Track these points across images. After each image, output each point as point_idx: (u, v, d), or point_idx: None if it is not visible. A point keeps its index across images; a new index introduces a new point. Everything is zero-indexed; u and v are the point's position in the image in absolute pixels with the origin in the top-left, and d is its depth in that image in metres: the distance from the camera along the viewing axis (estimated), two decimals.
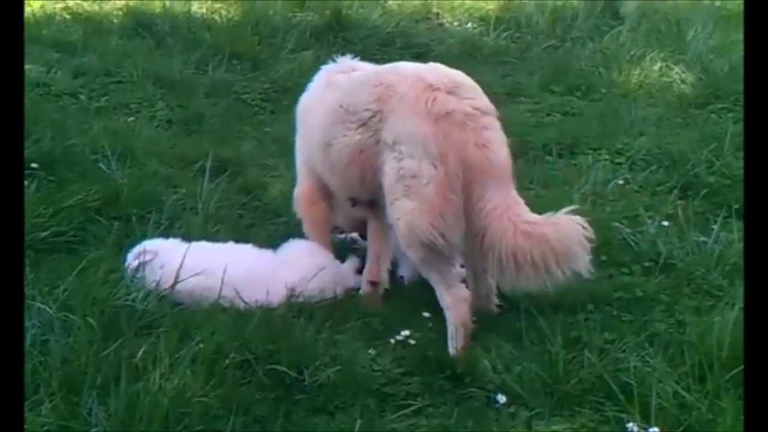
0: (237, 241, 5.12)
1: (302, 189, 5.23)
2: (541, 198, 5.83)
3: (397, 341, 4.55)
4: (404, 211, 4.48)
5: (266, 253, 5.01)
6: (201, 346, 4.21)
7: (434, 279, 4.61)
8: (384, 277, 5.01)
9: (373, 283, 4.99)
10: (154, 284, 4.68)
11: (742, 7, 7.79)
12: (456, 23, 9.31)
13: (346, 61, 5.21)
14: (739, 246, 5.20)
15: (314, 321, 4.60)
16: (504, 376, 4.30)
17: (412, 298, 4.93)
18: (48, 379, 4.00)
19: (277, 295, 4.75)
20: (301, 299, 4.77)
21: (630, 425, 3.99)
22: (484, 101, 4.60)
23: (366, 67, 5.15)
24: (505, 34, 8.96)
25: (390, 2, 9.43)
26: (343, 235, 5.51)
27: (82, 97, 7.17)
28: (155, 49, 8.04)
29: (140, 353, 4.12)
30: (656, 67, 8.08)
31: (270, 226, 5.62)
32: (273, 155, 6.48)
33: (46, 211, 5.26)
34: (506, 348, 4.48)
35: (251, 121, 7.16)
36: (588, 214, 5.59)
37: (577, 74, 8.04)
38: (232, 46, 7.95)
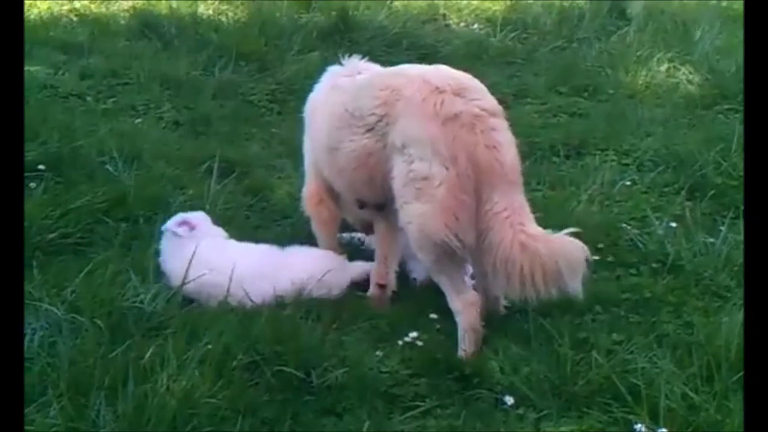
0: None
1: (310, 188, 5.21)
2: (548, 199, 5.84)
3: (405, 343, 4.55)
4: (416, 214, 4.47)
5: (274, 250, 5.00)
6: (209, 347, 4.21)
7: (444, 284, 4.60)
8: (391, 280, 5.01)
9: (381, 286, 4.98)
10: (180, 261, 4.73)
11: None
12: (462, 24, 9.31)
13: (353, 63, 5.17)
14: None
15: (322, 322, 4.60)
16: (512, 378, 4.29)
17: (419, 299, 4.92)
18: (56, 380, 4.00)
19: (284, 290, 4.77)
20: (307, 296, 4.79)
21: (638, 426, 3.97)
22: (491, 102, 4.58)
23: (372, 69, 5.13)
24: (511, 35, 8.94)
25: (396, 3, 9.41)
26: (349, 236, 5.50)
27: (89, 98, 7.19)
28: (162, 50, 8.05)
29: (148, 354, 4.12)
30: (663, 67, 8.06)
31: (277, 228, 5.61)
32: (280, 156, 6.47)
33: (53, 212, 5.27)
34: (514, 349, 4.47)
35: (258, 123, 7.15)
36: (595, 215, 5.65)
37: (584, 75, 8.03)
38: (239, 48, 7.95)
